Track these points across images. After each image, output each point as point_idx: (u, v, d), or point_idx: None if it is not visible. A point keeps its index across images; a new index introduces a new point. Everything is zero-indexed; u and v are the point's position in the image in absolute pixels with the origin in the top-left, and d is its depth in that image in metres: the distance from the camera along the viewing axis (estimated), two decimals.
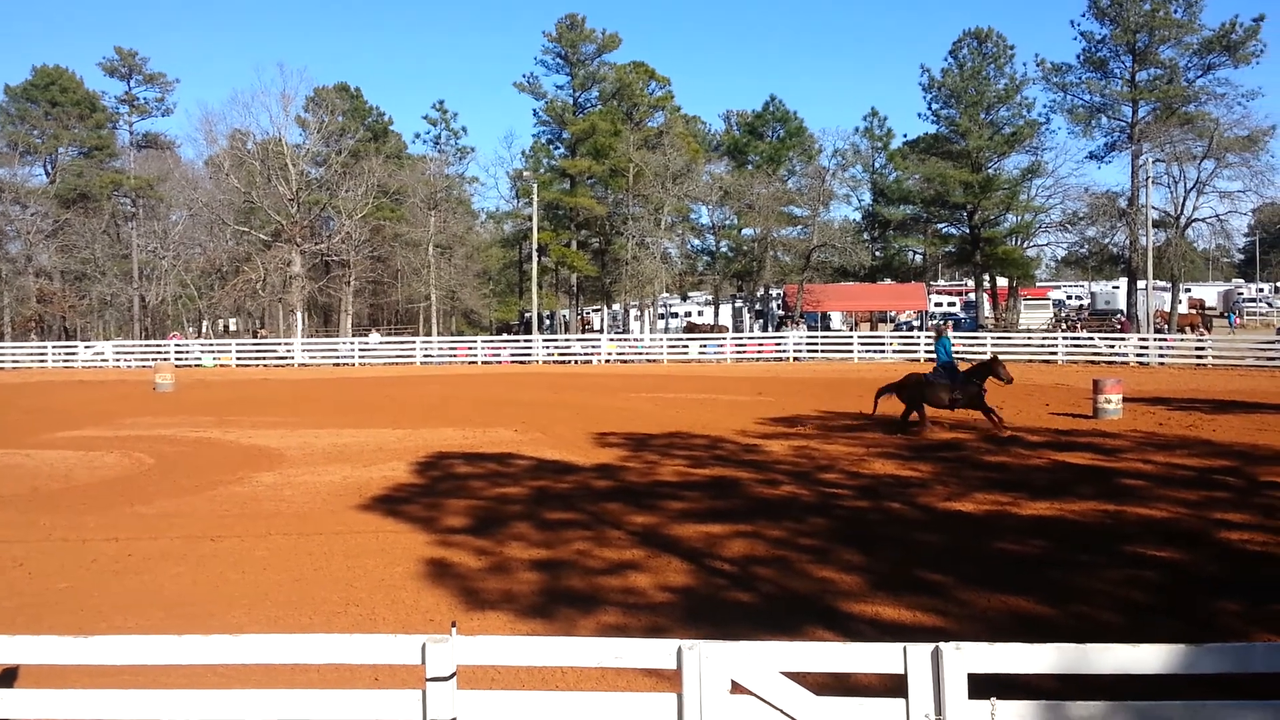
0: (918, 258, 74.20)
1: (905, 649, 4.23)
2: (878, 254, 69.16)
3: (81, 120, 64.18)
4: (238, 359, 47.85)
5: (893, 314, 69.83)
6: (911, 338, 47.85)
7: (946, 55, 61.38)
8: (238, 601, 8.23)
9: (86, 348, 50.51)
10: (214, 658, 4.59)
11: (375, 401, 27.04)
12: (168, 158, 67.13)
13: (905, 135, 68.77)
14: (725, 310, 70.64)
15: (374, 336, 53.43)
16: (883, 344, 47.33)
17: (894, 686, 4.27)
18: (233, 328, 74.02)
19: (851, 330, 60.73)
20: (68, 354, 49.16)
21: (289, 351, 48.35)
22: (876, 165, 68.75)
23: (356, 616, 7.82)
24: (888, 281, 69.78)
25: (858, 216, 70.67)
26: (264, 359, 48.06)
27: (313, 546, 10.12)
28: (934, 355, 21.22)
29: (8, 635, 4.81)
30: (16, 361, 48.31)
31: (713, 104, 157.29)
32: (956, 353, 22.85)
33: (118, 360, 47.96)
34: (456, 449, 17.01)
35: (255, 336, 61.09)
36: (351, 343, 49.95)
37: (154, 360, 43.78)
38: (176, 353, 46.74)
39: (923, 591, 8.32)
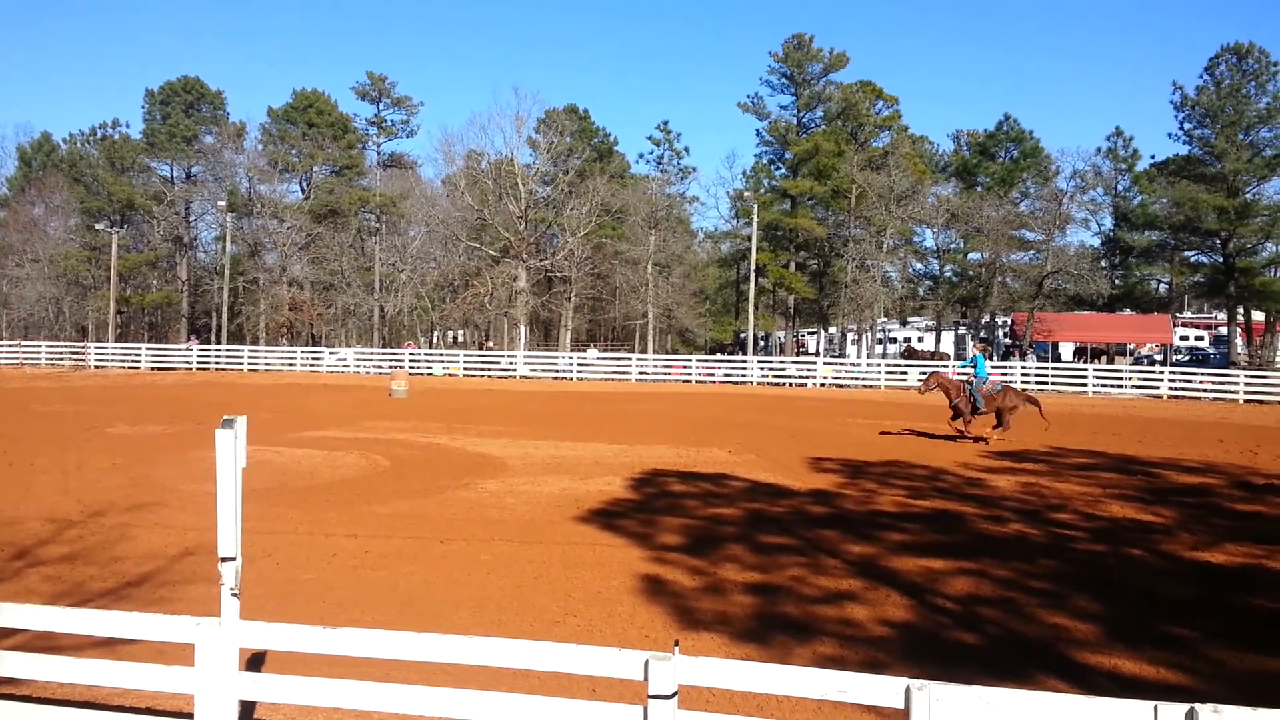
0: (1162, 287, 69.51)
1: (1156, 708, 3.90)
2: (1117, 282, 65.24)
3: (335, 140, 69.03)
4: (464, 369, 50.11)
5: (1132, 346, 65.63)
6: (1153, 373, 44.81)
7: (1202, 72, 57.56)
8: (464, 603, 8.55)
9: (331, 353, 54.15)
10: (447, 656, 4.75)
11: (592, 416, 27.66)
12: (409, 176, 71.28)
13: (1153, 156, 64.85)
14: (947, 337, 68.40)
15: (592, 352, 54.78)
16: (1120, 378, 44.55)
17: None
18: (460, 339, 77.67)
19: (1085, 363, 57.50)
20: (314, 359, 52.83)
21: (511, 364, 50.26)
22: (1119, 188, 64.97)
23: (574, 627, 7.96)
24: (1128, 312, 65.71)
25: (1096, 242, 66.99)
26: (488, 370, 50.14)
27: (533, 554, 10.40)
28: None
29: (264, 622, 5.15)
30: (269, 364, 52.32)
31: (942, 124, 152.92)
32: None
33: (358, 366, 51.16)
34: (671, 467, 17.14)
35: (481, 348, 63.84)
36: (570, 357, 51.40)
37: (390, 367, 46.53)
38: (410, 361, 49.40)
39: (1166, 646, 7.71)
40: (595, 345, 65.45)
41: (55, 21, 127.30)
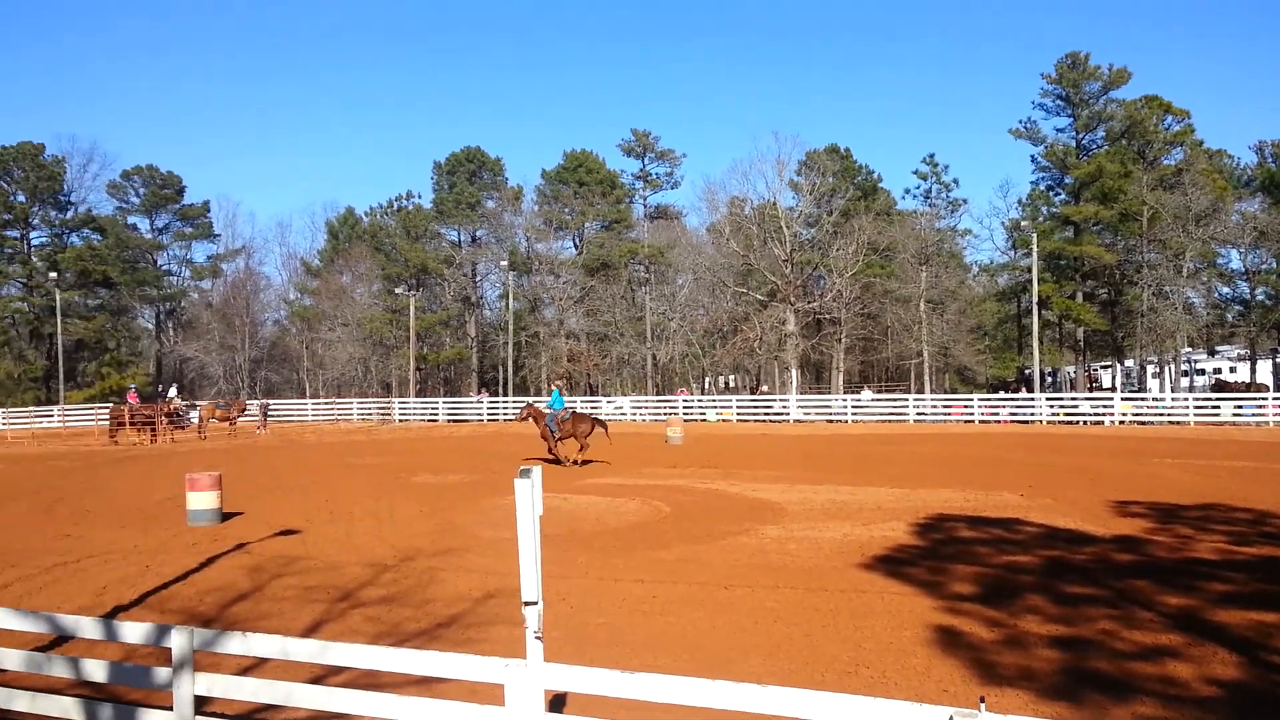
0: None
1: None
2: None
3: (604, 196, 71.98)
4: (738, 414, 50.40)
5: None
6: None
7: None
8: (752, 650, 8.51)
9: (608, 402, 56.01)
10: (744, 705, 4.71)
11: (870, 459, 27.05)
12: (675, 227, 73.15)
13: None
14: (1264, 366, 62.05)
15: (866, 393, 53.71)
16: None
17: None
18: (732, 384, 78.31)
19: None
20: (593, 407, 54.78)
21: (784, 407, 50.08)
22: None
23: (867, 678, 7.73)
24: None
25: None
26: (761, 414, 50.17)
27: (819, 602, 10.22)
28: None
29: (566, 665, 5.32)
30: None
31: (1241, 134, 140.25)
32: None
33: (634, 414, 52.60)
34: (958, 511, 16.44)
35: (753, 393, 64.04)
36: (844, 399, 50.63)
37: (665, 414, 47.55)
38: (684, 407, 50.27)
39: None
40: (869, 386, 64.15)
41: (352, 108, 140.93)
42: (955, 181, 71.31)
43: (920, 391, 60.38)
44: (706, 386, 72.03)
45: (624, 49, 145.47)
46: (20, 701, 6.75)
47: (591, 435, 25.73)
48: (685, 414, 48.16)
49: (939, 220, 69.17)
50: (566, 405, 28.50)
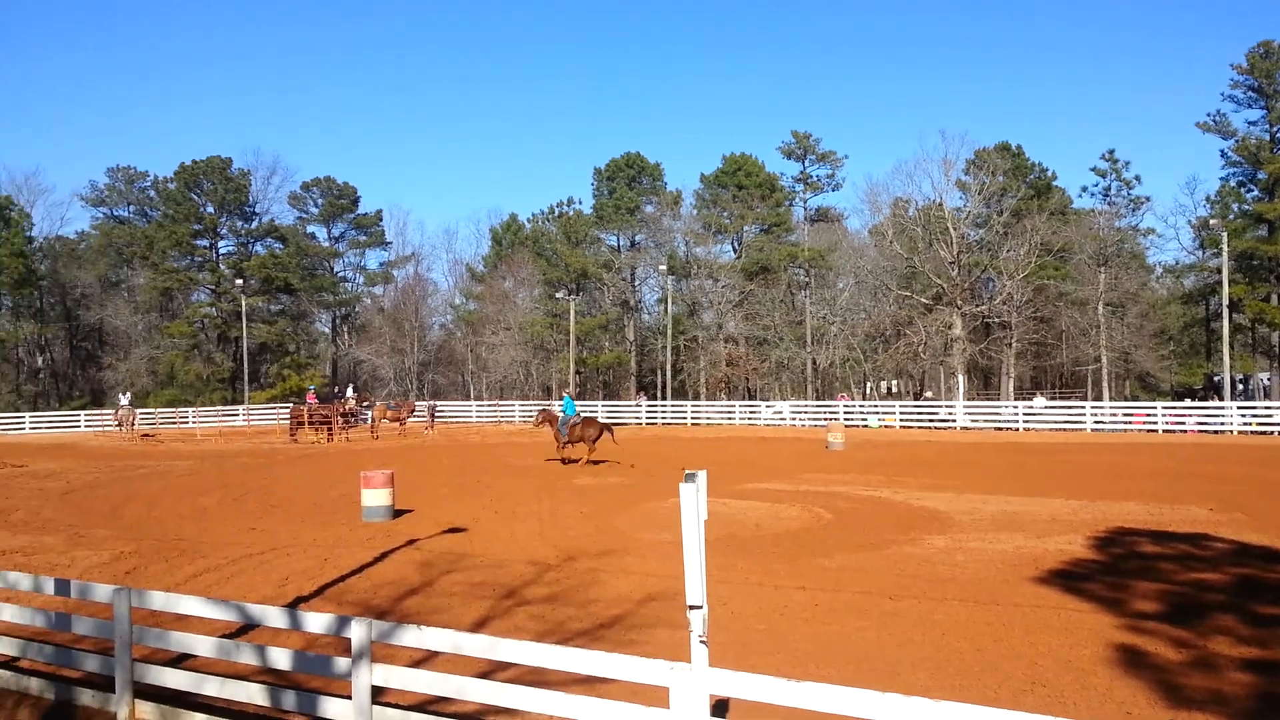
0: None
1: None
2: None
3: (763, 200, 71.44)
4: (901, 420, 49.21)
5: None
6: None
7: None
8: (921, 664, 8.26)
9: (767, 407, 55.59)
10: None
11: (1043, 468, 26.00)
12: (836, 229, 71.97)
13: None
14: None
15: (1038, 400, 51.57)
16: None
17: None
18: (894, 389, 76.58)
19: None
20: (751, 412, 54.54)
21: (950, 414, 48.61)
22: None
23: (1044, 697, 7.39)
24: None
25: None
26: (926, 421, 48.83)
27: (990, 616, 9.86)
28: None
29: (731, 670, 5.27)
30: (709, 418, 54.74)
31: None
32: None
33: (793, 419, 52.03)
34: (1139, 525, 15.59)
35: (917, 398, 62.42)
36: (1015, 406, 48.76)
37: (825, 420, 46.88)
38: (845, 413, 49.43)
39: None
40: (1041, 393, 61.57)
41: (516, 117, 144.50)
42: (1137, 178, 67.59)
43: (1098, 399, 57.66)
44: (868, 392, 70.60)
45: (785, 52, 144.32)
46: (210, 686, 7.16)
47: (600, 439, 27.42)
48: (846, 419, 47.31)
49: (1119, 219, 65.84)
50: (578, 411, 30.81)
